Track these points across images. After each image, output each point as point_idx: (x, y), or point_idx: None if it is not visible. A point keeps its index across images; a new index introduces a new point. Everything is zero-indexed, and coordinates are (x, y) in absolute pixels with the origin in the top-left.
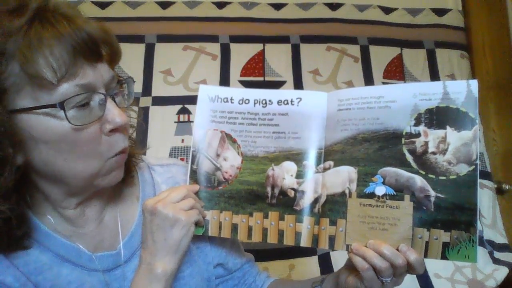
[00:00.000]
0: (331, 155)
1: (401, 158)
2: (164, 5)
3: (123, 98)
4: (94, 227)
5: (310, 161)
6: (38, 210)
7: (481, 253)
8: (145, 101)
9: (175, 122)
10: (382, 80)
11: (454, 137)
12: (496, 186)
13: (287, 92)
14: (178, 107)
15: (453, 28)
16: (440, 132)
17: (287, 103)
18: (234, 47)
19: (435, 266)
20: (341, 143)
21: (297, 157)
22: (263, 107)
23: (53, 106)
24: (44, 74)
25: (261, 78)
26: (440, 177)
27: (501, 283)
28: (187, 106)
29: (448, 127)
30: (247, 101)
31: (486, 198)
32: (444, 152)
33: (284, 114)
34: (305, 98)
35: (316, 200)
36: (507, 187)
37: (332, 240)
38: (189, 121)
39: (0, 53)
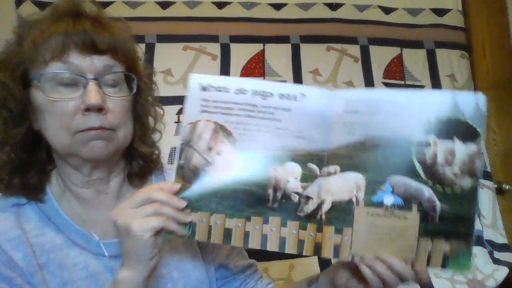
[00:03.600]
0: (337, 159)
1: (411, 167)
2: (164, 5)
3: (118, 89)
4: (104, 216)
5: (315, 163)
6: (59, 192)
7: (481, 253)
8: None
9: (175, 122)
10: (382, 80)
11: (461, 150)
12: (496, 186)
13: (289, 86)
14: (178, 107)
15: (453, 28)
16: (448, 143)
17: (289, 99)
18: (234, 47)
19: None
20: (348, 148)
21: (301, 158)
22: (262, 99)
23: (34, 79)
24: (41, 56)
25: (261, 78)
26: (446, 189)
27: (501, 283)
28: None
29: (455, 138)
30: (244, 92)
31: (486, 198)
32: (451, 163)
33: (286, 109)
34: (309, 95)
35: (319, 206)
36: (507, 187)
37: (337, 249)
38: None
39: (20, 41)
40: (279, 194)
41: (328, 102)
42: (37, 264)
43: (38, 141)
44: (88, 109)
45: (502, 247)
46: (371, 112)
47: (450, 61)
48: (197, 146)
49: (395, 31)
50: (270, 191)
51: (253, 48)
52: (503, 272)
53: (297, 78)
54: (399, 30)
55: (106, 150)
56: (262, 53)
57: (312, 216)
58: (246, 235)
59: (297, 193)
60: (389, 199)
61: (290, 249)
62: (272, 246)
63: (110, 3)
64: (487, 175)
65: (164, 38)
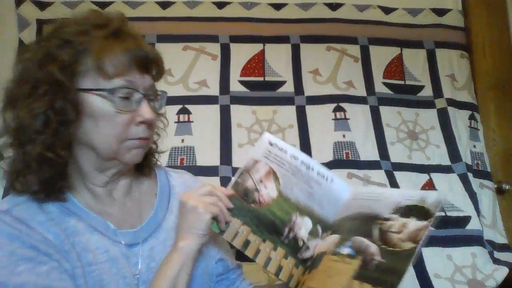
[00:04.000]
0: (334, 227)
1: (371, 232)
2: (164, 5)
3: (156, 104)
4: (118, 209)
5: (321, 227)
6: (75, 187)
7: (481, 253)
8: None
9: (175, 122)
10: (382, 80)
11: (413, 224)
12: (496, 186)
13: (326, 171)
14: (178, 107)
15: (453, 28)
16: (405, 220)
17: (323, 177)
18: (234, 47)
19: (435, 266)
20: (342, 219)
21: (315, 219)
22: (306, 169)
23: (106, 91)
24: (106, 69)
25: (261, 78)
26: (389, 248)
27: (501, 283)
28: (187, 106)
29: (412, 217)
30: (296, 158)
31: (486, 198)
32: (400, 232)
33: (318, 183)
34: (336, 182)
35: (311, 257)
36: (507, 187)
37: (300, 282)
38: (189, 121)
39: (81, 49)
40: (291, 235)
41: (345, 191)
42: (69, 243)
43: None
44: (142, 122)
45: (502, 247)
46: (367, 199)
47: (450, 61)
48: (254, 175)
49: (395, 31)
50: (286, 230)
51: (253, 48)
52: (503, 272)
53: (297, 78)
54: (399, 30)
55: (141, 157)
56: (262, 53)
57: (305, 261)
58: (258, 251)
59: (303, 241)
60: (346, 250)
61: (282, 276)
62: (271, 268)
63: (110, 3)
64: (487, 175)
65: (164, 38)
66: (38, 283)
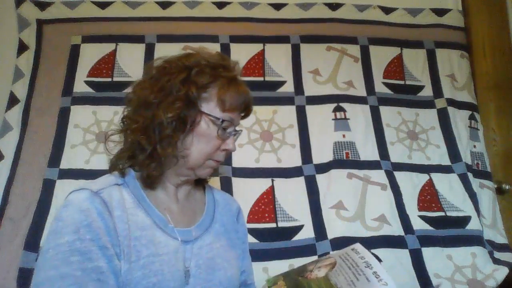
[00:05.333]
0: None
1: None
2: (164, 5)
3: (235, 137)
4: (179, 207)
5: None
6: (152, 185)
7: (481, 253)
8: None
9: None
10: (382, 80)
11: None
12: (496, 186)
13: (385, 274)
14: None
15: (453, 28)
16: None
17: (376, 278)
18: (234, 47)
19: (435, 266)
20: None
21: None
22: (365, 266)
23: (219, 119)
24: (225, 103)
25: (261, 78)
26: None
27: (501, 283)
28: None
29: None
30: (358, 253)
31: (486, 198)
32: None
33: (367, 279)
34: (390, 285)
35: None
36: (507, 187)
37: None
38: None
39: (212, 81)
40: None
41: None
42: (130, 238)
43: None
44: (226, 150)
45: (502, 247)
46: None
47: (450, 61)
48: (317, 263)
49: (395, 31)
50: None
51: (253, 48)
52: (503, 272)
53: (297, 78)
54: (399, 30)
55: (210, 175)
56: (262, 53)
57: None
58: None
59: None
60: None
61: None
62: None
63: (110, 3)
64: (487, 175)
65: (164, 38)
66: (77, 276)
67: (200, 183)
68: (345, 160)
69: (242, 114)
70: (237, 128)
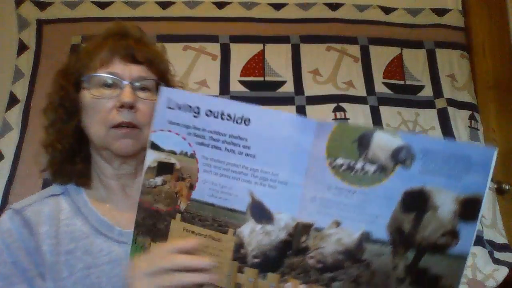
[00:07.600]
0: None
1: None
2: (164, 5)
3: (149, 94)
4: (130, 206)
5: None
6: (92, 181)
7: (481, 253)
8: None
9: None
10: (382, 80)
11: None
12: (496, 186)
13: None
14: None
15: (453, 28)
16: None
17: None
18: (234, 47)
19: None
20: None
21: None
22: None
23: (82, 81)
24: (92, 65)
25: (261, 78)
26: None
27: (501, 283)
28: None
29: None
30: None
31: (486, 198)
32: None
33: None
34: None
35: None
36: (507, 187)
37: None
38: None
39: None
40: None
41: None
42: (60, 253)
43: (82, 137)
44: (122, 106)
45: (502, 247)
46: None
47: (450, 61)
48: None
49: (395, 31)
50: None
51: (253, 48)
52: (503, 272)
53: (297, 78)
54: (399, 30)
55: (132, 148)
56: (262, 53)
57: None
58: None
59: None
60: None
61: None
62: None
63: (110, 3)
64: None
65: (164, 38)
66: None
67: None
68: None
69: (143, 62)
70: (150, 79)
